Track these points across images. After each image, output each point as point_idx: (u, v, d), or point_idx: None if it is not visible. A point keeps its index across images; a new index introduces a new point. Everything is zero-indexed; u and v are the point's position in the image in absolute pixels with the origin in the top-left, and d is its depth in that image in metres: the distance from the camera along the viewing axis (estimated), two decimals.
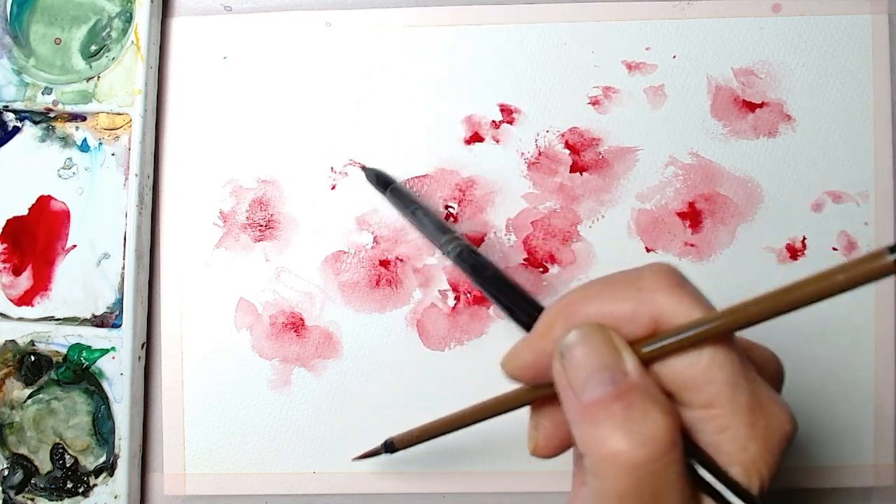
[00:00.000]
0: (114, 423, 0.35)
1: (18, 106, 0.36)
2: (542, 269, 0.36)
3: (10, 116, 0.36)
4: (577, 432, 0.20)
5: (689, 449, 0.19)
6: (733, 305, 0.19)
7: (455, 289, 0.36)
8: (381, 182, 0.35)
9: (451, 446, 0.36)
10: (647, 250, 0.36)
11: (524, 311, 0.24)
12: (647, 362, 0.20)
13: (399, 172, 0.37)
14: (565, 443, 0.23)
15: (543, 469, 0.36)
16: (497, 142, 0.36)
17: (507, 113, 0.36)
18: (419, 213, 0.31)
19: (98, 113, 0.36)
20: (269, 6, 0.37)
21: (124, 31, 0.36)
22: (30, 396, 0.36)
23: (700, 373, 0.19)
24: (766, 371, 0.22)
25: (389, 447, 0.32)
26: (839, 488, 0.36)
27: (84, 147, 0.36)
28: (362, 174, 0.36)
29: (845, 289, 0.18)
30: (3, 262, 0.36)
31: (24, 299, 0.36)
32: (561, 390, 0.21)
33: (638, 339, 0.20)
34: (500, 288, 0.26)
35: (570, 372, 0.20)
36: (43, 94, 0.36)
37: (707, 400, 0.19)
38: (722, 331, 0.19)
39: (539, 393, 0.23)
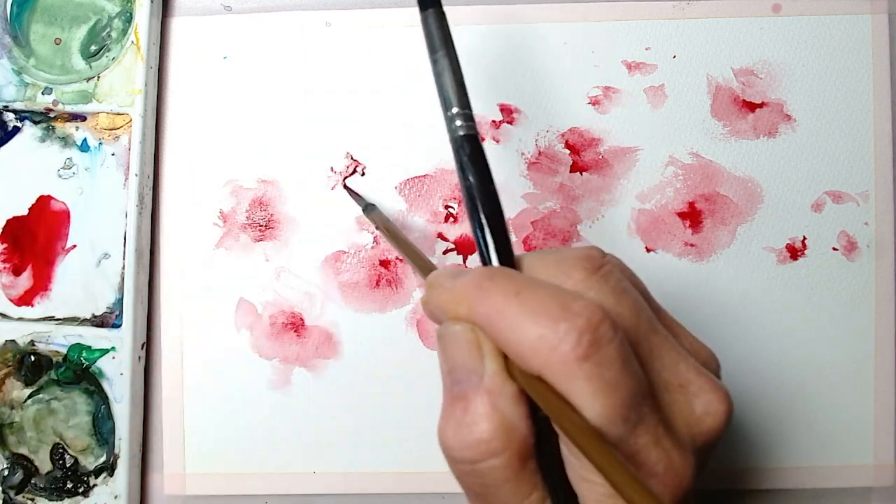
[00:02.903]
0: (114, 423, 0.35)
1: (18, 106, 0.36)
2: None
3: (10, 116, 0.36)
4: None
5: (544, 454, 0.20)
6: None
7: None
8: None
9: None
10: (647, 250, 0.36)
11: (497, 247, 0.22)
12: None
13: (399, 172, 0.37)
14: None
15: None
16: (497, 142, 0.36)
17: (507, 113, 0.36)
18: (441, 63, 0.25)
19: (98, 113, 0.36)
20: (269, 6, 0.37)
21: (124, 31, 0.36)
22: (30, 396, 0.36)
23: None
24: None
25: (369, 208, 0.34)
26: (839, 488, 0.36)
27: (84, 147, 0.36)
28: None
29: None
30: (3, 262, 0.36)
31: (24, 299, 0.36)
32: (440, 364, 0.22)
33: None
34: (489, 206, 0.22)
35: (441, 355, 0.21)
36: (43, 94, 0.36)
37: None
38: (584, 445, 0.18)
39: None
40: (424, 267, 0.26)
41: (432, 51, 0.25)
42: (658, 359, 0.21)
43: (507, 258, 0.22)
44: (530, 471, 0.20)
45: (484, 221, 0.22)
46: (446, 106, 0.24)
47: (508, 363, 0.20)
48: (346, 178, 0.37)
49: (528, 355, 0.19)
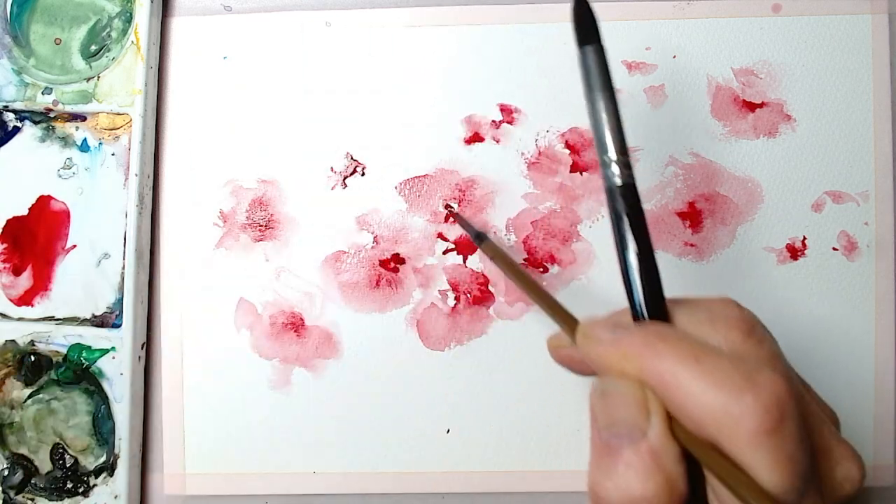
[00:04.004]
0: (114, 423, 0.35)
1: (18, 106, 0.36)
2: (542, 269, 0.36)
3: (10, 116, 0.36)
4: (590, 455, 0.21)
5: None
6: None
7: (455, 289, 0.36)
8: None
9: (450, 445, 0.36)
10: None
11: (649, 301, 0.22)
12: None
13: (399, 172, 0.37)
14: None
15: (543, 469, 0.36)
16: (497, 142, 0.36)
17: (507, 113, 0.36)
18: (599, 104, 0.23)
19: (98, 113, 0.36)
20: (269, 6, 0.37)
21: (124, 31, 0.36)
22: (30, 396, 0.36)
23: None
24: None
25: (481, 237, 0.33)
26: None
27: (84, 147, 0.36)
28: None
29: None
30: (3, 262, 0.36)
31: (24, 299, 0.36)
32: (591, 416, 0.22)
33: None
34: (643, 259, 0.22)
35: (601, 409, 0.21)
36: (43, 94, 0.36)
37: None
38: None
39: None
40: (555, 308, 0.26)
41: (589, 90, 0.24)
42: (808, 426, 0.21)
43: (661, 313, 0.22)
44: None
45: (637, 276, 0.22)
46: (602, 150, 0.23)
47: (673, 424, 0.20)
48: (346, 178, 0.37)
49: (706, 422, 0.19)
